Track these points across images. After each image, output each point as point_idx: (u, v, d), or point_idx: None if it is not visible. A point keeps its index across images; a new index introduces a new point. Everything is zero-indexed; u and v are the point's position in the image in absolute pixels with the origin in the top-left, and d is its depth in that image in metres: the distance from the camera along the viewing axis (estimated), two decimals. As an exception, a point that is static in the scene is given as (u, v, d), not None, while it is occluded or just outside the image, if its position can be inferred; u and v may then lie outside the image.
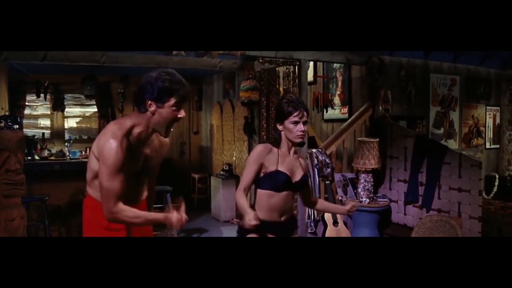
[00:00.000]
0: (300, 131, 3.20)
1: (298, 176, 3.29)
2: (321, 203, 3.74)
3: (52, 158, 7.58)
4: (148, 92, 2.62)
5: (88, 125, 9.67)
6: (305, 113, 3.23)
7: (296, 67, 6.35)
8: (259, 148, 3.29)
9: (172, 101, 2.64)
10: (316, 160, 6.22)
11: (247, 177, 3.27)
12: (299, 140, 3.24)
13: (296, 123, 3.19)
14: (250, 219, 2.97)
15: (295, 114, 3.18)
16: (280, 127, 3.27)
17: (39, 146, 7.71)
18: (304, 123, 3.23)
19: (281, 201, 3.24)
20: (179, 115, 2.71)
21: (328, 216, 5.98)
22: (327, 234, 5.96)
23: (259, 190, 3.29)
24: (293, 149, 3.32)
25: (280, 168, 3.22)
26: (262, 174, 3.25)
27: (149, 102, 2.63)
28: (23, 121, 8.70)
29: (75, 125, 9.67)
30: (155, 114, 2.66)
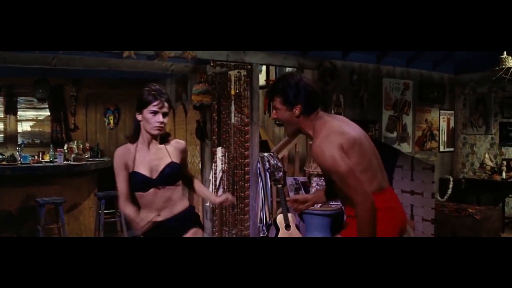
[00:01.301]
0: (158, 122, 3.05)
1: (159, 168, 3.11)
2: (197, 187, 3.47)
3: (4, 162, 7.42)
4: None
5: (41, 129, 9.42)
6: (165, 104, 3.08)
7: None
8: (116, 153, 3.15)
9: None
10: (268, 164, 6.21)
11: (119, 187, 3.15)
12: (156, 132, 3.08)
13: (154, 113, 3.03)
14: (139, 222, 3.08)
15: (155, 103, 3.02)
16: (139, 117, 3.11)
17: (-10, 151, 7.56)
18: (164, 114, 3.08)
19: (154, 198, 3.11)
20: None
21: (280, 220, 5.95)
22: (280, 238, 5.96)
23: (135, 194, 3.16)
24: (154, 141, 3.16)
25: (136, 169, 3.08)
26: None
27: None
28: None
29: (29, 129, 9.47)
30: None
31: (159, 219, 3.12)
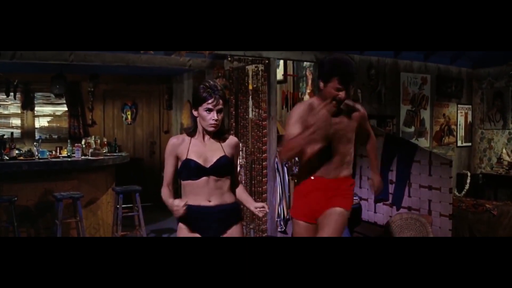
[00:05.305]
0: (213, 119, 3.11)
1: (213, 159, 3.19)
2: (239, 188, 3.51)
3: (21, 158, 7.46)
4: None
5: (58, 124, 9.54)
6: (220, 101, 3.12)
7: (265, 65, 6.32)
8: (170, 141, 3.26)
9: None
10: (285, 159, 6.20)
11: (166, 172, 3.30)
12: (211, 128, 3.15)
13: (209, 110, 3.10)
14: (176, 205, 3.01)
15: (210, 101, 3.08)
16: (195, 113, 3.20)
17: (8, 146, 7.57)
18: (219, 111, 3.14)
19: (203, 187, 3.17)
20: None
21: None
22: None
23: (182, 182, 3.25)
24: (207, 136, 3.25)
25: (190, 156, 3.16)
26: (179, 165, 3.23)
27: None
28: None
29: (46, 124, 9.56)
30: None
31: (210, 204, 3.18)
